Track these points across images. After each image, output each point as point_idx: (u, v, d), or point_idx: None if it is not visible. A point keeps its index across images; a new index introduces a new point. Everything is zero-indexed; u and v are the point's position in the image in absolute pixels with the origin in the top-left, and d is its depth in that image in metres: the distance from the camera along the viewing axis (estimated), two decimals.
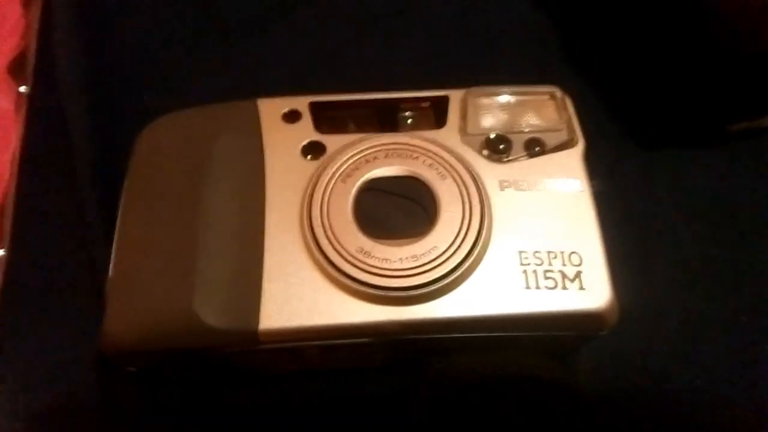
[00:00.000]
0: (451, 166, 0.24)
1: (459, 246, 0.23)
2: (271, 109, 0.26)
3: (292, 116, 0.26)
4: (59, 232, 0.29)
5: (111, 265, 0.23)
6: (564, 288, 0.22)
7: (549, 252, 0.23)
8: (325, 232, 0.23)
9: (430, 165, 0.24)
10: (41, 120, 0.32)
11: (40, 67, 0.33)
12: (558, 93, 0.26)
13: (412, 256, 0.22)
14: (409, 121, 0.26)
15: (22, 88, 0.33)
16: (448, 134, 0.25)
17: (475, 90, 0.26)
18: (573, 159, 0.25)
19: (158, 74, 0.34)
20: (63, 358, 0.26)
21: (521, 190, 0.24)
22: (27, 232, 0.29)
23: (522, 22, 0.36)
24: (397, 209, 0.23)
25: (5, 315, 0.27)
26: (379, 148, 0.25)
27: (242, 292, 0.22)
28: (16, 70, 0.34)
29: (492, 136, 0.25)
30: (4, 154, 0.31)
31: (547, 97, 0.26)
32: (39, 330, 0.27)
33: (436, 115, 0.26)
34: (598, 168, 0.25)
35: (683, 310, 0.29)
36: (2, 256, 0.29)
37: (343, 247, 0.22)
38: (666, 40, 0.32)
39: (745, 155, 0.32)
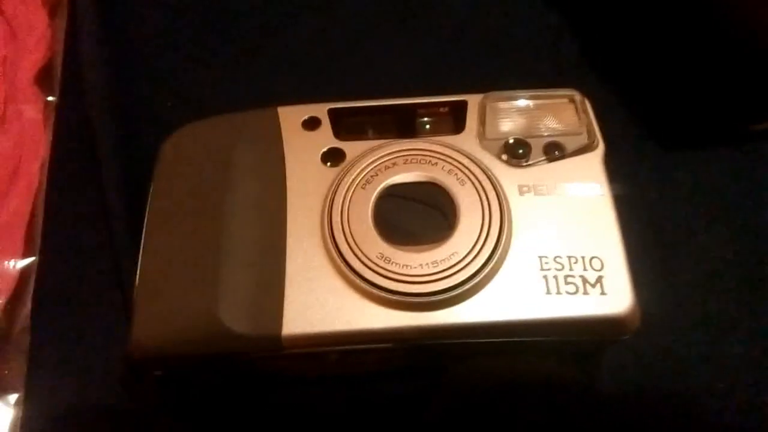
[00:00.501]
0: (470, 171, 0.24)
1: (479, 251, 0.23)
2: (291, 117, 0.26)
3: (311, 123, 0.26)
4: (88, 240, 0.29)
5: (138, 273, 0.24)
6: (585, 293, 0.22)
7: (570, 257, 0.23)
8: (345, 238, 0.23)
9: (449, 171, 0.24)
10: (69, 129, 0.33)
11: (67, 77, 0.34)
12: (577, 96, 0.26)
13: (432, 262, 0.22)
14: (428, 126, 0.26)
15: (50, 98, 0.34)
16: (467, 139, 0.25)
17: (493, 94, 0.26)
18: (593, 162, 0.25)
19: (177, 82, 0.34)
20: (91, 363, 0.27)
21: (541, 194, 0.24)
22: (57, 240, 0.30)
23: (538, 24, 0.36)
24: (417, 215, 0.24)
25: (36, 320, 0.28)
26: (398, 155, 0.25)
27: (265, 299, 0.22)
28: (44, 80, 0.35)
29: (511, 140, 0.25)
30: (33, 163, 0.32)
31: (566, 100, 0.26)
32: (68, 335, 0.28)
33: (454, 120, 0.26)
34: (618, 171, 0.25)
35: (705, 313, 0.28)
36: (33, 262, 0.30)
37: (363, 254, 0.23)
38: (686, 39, 0.31)
39: (766, 156, 0.32)
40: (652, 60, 0.33)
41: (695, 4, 0.30)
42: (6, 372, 0.27)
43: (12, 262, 0.30)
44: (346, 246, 0.23)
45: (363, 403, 0.27)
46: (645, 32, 0.34)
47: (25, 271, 0.29)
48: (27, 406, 0.26)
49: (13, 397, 0.27)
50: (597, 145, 0.25)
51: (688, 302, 0.28)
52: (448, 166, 0.24)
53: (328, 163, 0.25)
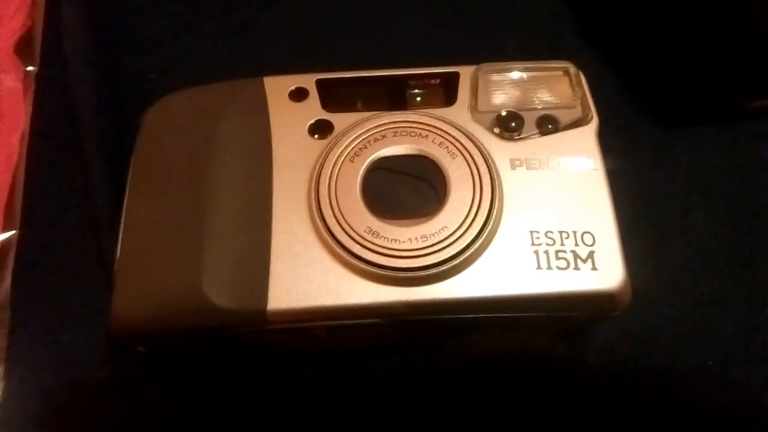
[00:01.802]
0: (461, 144, 0.24)
1: (469, 226, 0.22)
2: (277, 87, 0.26)
3: (299, 94, 0.25)
4: (69, 212, 0.29)
5: (119, 245, 0.23)
6: (576, 268, 0.22)
7: (561, 232, 0.23)
8: (333, 212, 0.23)
9: (439, 144, 0.24)
10: (49, 99, 0.32)
11: (47, 47, 0.33)
12: (572, 69, 0.26)
13: (422, 236, 0.22)
14: (418, 98, 0.26)
15: (30, 68, 0.33)
16: (459, 112, 0.25)
17: (485, 66, 0.26)
18: (586, 136, 0.25)
19: (164, 52, 0.34)
20: (74, 338, 0.26)
21: (533, 168, 0.24)
22: (37, 213, 0.29)
23: None
24: (407, 189, 0.23)
25: (17, 294, 0.28)
26: (387, 127, 0.24)
27: (250, 272, 0.22)
28: (24, 49, 0.34)
29: (503, 113, 0.25)
30: (13, 134, 0.31)
31: (560, 73, 0.26)
32: (50, 309, 0.27)
33: (445, 92, 0.26)
34: (612, 145, 0.25)
35: (697, 290, 0.28)
36: (14, 235, 0.29)
37: (351, 227, 0.22)
38: (682, 14, 0.31)
39: (762, 133, 0.31)
40: (649, 35, 0.33)
41: None
42: None
43: None
44: (334, 220, 0.22)
45: (354, 379, 0.26)
46: (642, 8, 0.33)
47: (5, 245, 0.29)
48: (8, 380, 0.26)
49: None
50: (591, 119, 0.25)
51: (680, 279, 0.28)
52: (438, 139, 0.24)
53: (316, 135, 0.24)
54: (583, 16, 0.35)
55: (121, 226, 0.24)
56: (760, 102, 0.31)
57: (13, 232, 0.29)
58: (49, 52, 0.33)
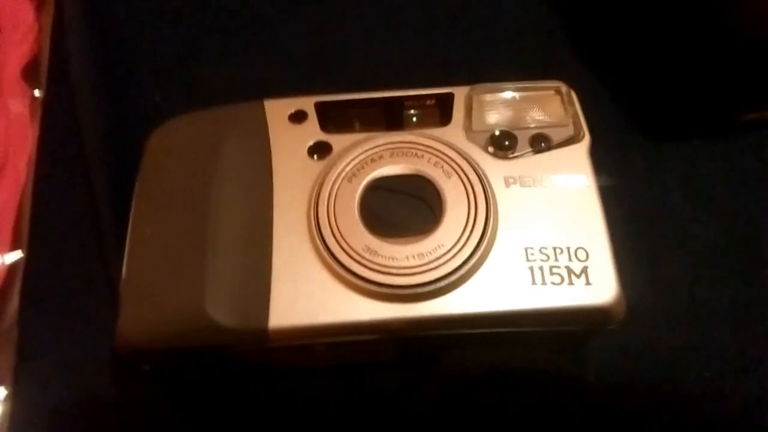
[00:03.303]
0: (456, 163, 0.24)
1: (465, 243, 0.23)
2: (277, 110, 0.26)
3: (298, 117, 0.26)
4: (75, 234, 0.29)
5: (124, 266, 0.24)
6: (570, 283, 0.22)
7: (555, 248, 0.23)
8: (332, 231, 0.23)
9: (435, 163, 0.24)
10: (56, 123, 0.33)
11: (54, 71, 0.34)
12: (563, 88, 0.26)
13: (419, 254, 0.23)
14: (415, 119, 0.26)
15: (37, 93, 0.34)
16: (453, 131, 0.25)
17: (479, 87, 0.26)
18: (579, 154, 0.25)
19: (166, 75, 0.34)
20: (80, 357, 0.27)
21: (527, 186, 0.24)
22: (44, 235, 0.30)
23: (526, 16, 0.36)
24: (403, 207, 0.24)
25: (24, 315, 0.28)
26: (384, 147, 0.25)
27: (252, 292, 0.22)
28: (30, 74, 0.34)
29: (497, 132, 0.25)
30: (20, 158, 0.32)
31: (552, 92, 0.26)
32: (57, 329, 0.28)
33: (440, 112, 0.26)
34: (606, 161, 0.25)
35: (692, 302, 0.28)
36: (21, 258, 0.30)
37: (350, 246, 0.23)
38: (674, 29, 0.31)
39: (754, 146, 0.32)
40: (641, 51, 0.33)
41: None
42: None
43: None
44: (333, 239, 0.23)
45: (353, 395, 0.27)
46: (634, 23, 0.34)
47: (13, 266, 0.29)
48: (16, 399, 0.27)
49: (2, 391, 0.27)
50: (583, 137, 0.25)
51: (676, 292, 0.29)
52: (434, 159, 0.24)
53: (315, 156, 0.25)
54: (576, 32, 0.35)
55: (126, 247, 0.24)
56: (752, 115, 0.32)
57: (21, 253, 0.30)
58: (55, 77, 0.34)
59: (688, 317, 0.28)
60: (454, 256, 0.22)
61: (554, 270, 0.23)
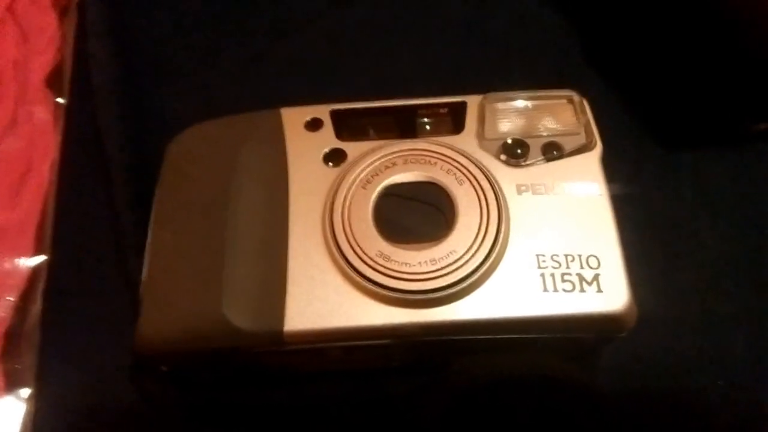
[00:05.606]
0: (468, 171, 0.25)
1: (477, 250, 0.23)
2: (293, 118, 0.27)
3: (314, 124, 0.26)
4: (97, 238, 0.30)
5: (144, 270, 0.24)
6: (582, 291, 0.23)
7: (567, 255, 0.23)
8: (346, 237, 0.23)
9: (448, 171, 0.25)
10: (78, 130, 0.33)
11: (77, 79, 0.35)
12: (575, 97, 0.26)
13: (431, 260, 0.23)
14: (428, 127, 0.27)
15: (60, 100, 0.35)
16: (466, 139, 0.26)
17: (492, 95, 0.27)
18: (591, 162, 0.25)
19: (186, 83, 0.35)
20: (101, 358, 0.27)
21: (539, 194, 0.25)
22: (66, 239, 0.30)
23: (540, 25, 0.36)
24: (416, 214, 0.24)
25: (47, 316, 0.29)
26: (398, 155, 0.25)
27: (268, 295, 0.23)
28: (54, 81, 0.35)
29: (509, 140, 0.26)
30: (44, 163, 0.33)
31: (564, 101, 0.26)
32: (79, 331, 0.28)
33: (453, 120, 0.27)
34: (619, 169, 0.26)
35: (705, 310, 0.28)
36: (44, 260, 0.30)
37: (364, 252, 0.23)
38: (686, 38, 0.31)
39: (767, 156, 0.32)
40: (654, 60, 0.33)
41: (696, 3, 0.30)
42: (18, 367, 0.28)
43: (23, 260, 0.30)
44: (347, 244, 0.23)
45: (365, 399, 0.27)
46: (646, 33, 0.34)
47: (36, 269, 0.30)
48: (38, 400, 0.27)
49: (25, 392, 0.27)
50: (595, 145, 0.25)
51: (688, 301, 0.29)
52: (447, 166, 0.25)
53: (330, 164, 0.26)
54: (589, 41, 0.35)
55: (147, 251, 0.25)
56: (765, 125, 0.31)
57: (44, 257, 0.30)
58: (78, 84, 0.34)
59: (700, 326, 0.28)
60: (466, 263, 0.23)
61: (566, 277, 0.23)
